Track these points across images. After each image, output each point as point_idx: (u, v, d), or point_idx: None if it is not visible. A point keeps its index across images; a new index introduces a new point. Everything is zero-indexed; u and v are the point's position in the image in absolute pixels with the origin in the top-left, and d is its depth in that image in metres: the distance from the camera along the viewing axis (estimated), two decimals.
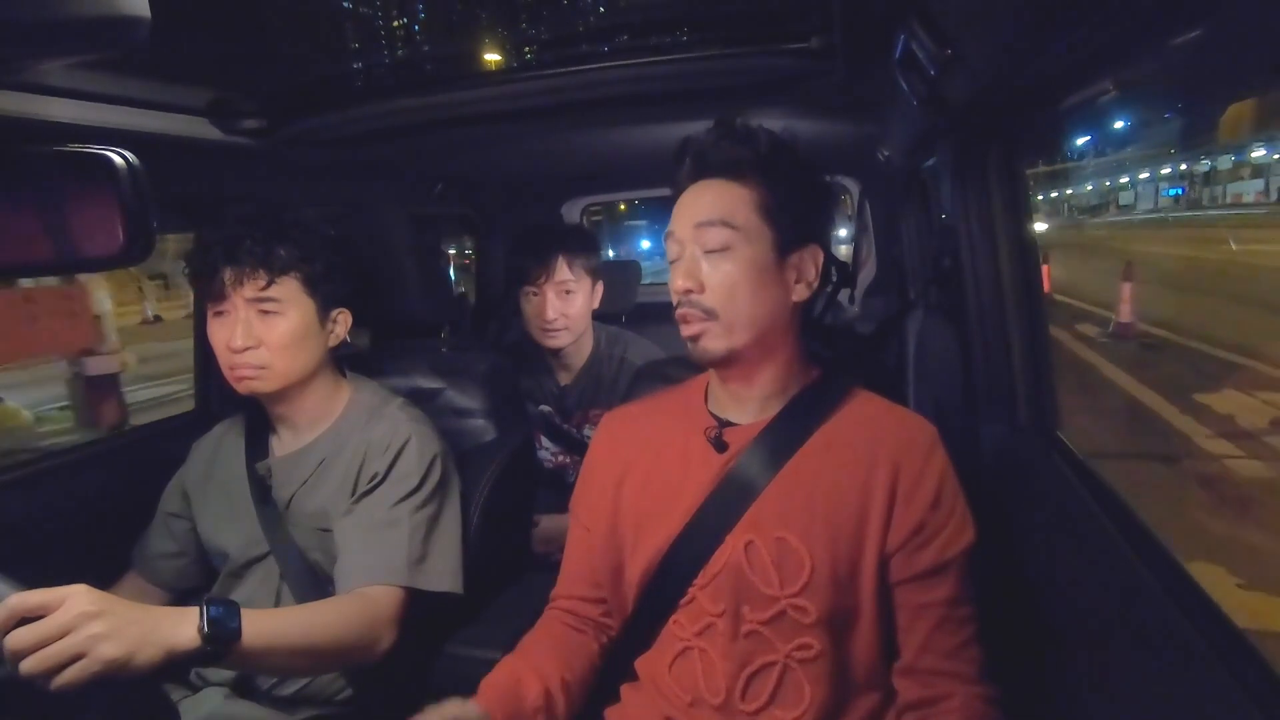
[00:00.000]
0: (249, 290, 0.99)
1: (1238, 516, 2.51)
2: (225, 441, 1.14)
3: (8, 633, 0.64)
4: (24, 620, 0.65)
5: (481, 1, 1.23)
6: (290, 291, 1.01)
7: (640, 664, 0.87)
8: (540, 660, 0.85)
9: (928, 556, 0.77)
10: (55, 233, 0.69)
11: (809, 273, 0.82)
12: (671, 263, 0.84)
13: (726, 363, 0.83)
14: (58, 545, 1.15)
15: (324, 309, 1.05)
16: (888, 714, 0.80)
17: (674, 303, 0.82)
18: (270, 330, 1.00)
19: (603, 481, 0.91)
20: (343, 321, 1.09)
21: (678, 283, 0.80)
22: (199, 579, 1.15)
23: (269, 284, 0.99)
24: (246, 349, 0.98)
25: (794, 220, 0.81)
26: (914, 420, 0.85)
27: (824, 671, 0.77)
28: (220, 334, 1.00)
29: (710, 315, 0.79)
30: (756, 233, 0.79)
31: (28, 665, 0.63)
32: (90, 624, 0.66)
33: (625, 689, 0.88)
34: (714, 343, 0.80)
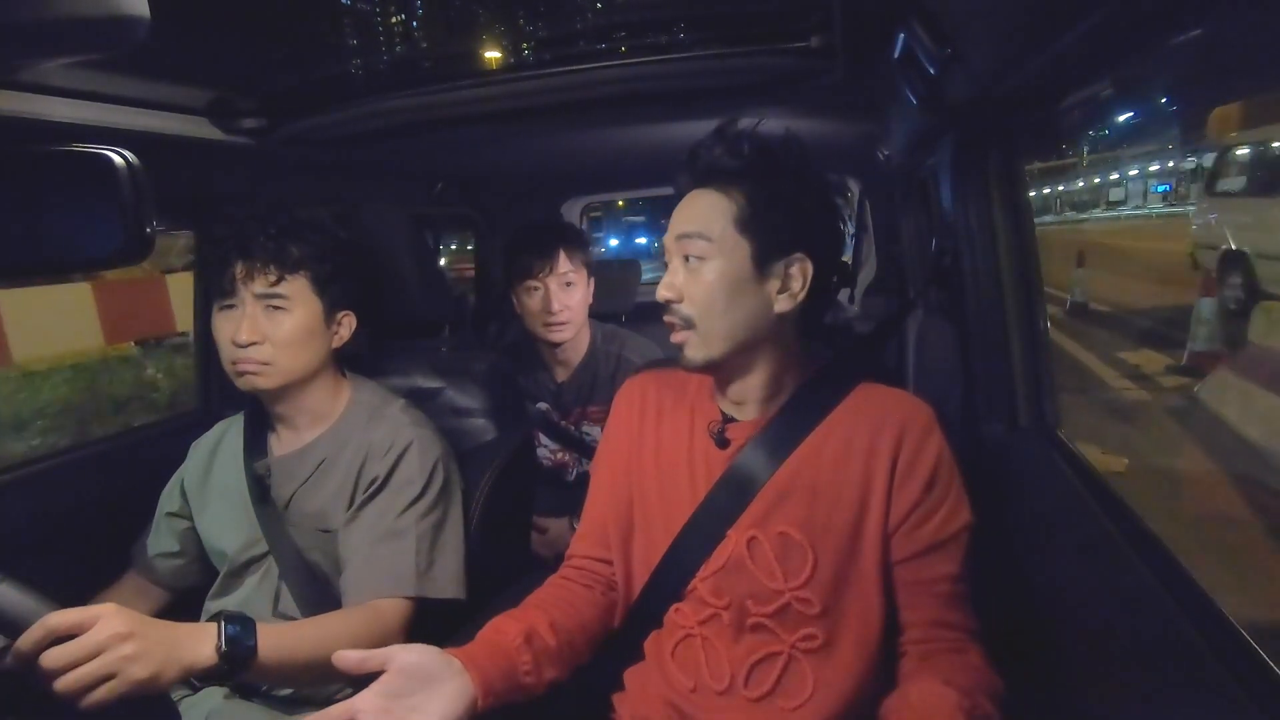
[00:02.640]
0: (259, 285, 0.99)
1: (1115, 419, 3.80)
2: (225, 441, 1.14)
3: (43, 651, 0.65)
4: (58, 639, 0.66)
5: None
6: (299, 289, 1.01)
7: (646, 646, 0.88)
8: (523, 612, 0.84)
9: (928, 533, 0.79)
10: (55, 232, 0.68)
11: (794, 284, 0.81)
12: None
13: (708, 371, 0.85)
14: (58, 545, 1.14)
15: (330, 310, 1.05)
16: (890, 698, 0.81)
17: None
18: (276, 326, 1.00)
19: (624, 439, 0.93)
20: (347, 324, 1.09)
21: (660, 291, 0.83)
22: (198, 578, 1.15)
23: (279, 280, 0.99)
24: (251, 343, 0.98)
25: (774, 231, 0.80)
26: (911, 401, 0.85)
27: (828, 660, 0.78)
28: (226, 328, 1.00)
29: (689, 324, 0.82)
30: (732, 245, 0.80)
31: (61, 684, 0.64)
32: (122, 645, 0.67)
33: (628, 676, 0.89)
34: (694, 352, 0.82)
